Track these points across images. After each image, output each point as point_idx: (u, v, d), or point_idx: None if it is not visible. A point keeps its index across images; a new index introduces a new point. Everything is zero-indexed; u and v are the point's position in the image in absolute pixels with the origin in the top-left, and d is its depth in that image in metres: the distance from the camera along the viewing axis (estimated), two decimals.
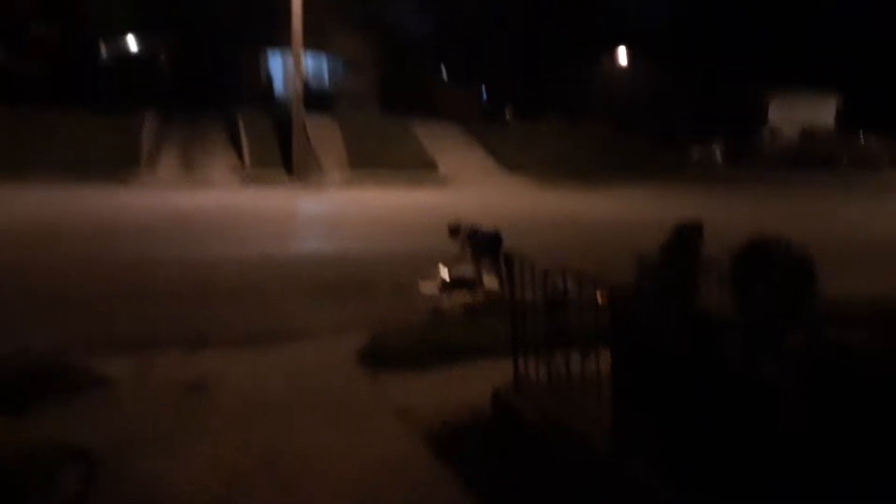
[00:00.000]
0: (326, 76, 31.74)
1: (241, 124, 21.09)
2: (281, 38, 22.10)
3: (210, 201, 14.10)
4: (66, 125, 19.20)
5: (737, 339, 3.28)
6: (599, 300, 3.36)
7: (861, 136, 30.78)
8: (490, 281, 7.18)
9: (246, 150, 19.83)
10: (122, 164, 18.06)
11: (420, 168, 20.39)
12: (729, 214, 12.99)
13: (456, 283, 7.10)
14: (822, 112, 35.19)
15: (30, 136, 18.15)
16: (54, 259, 8.19)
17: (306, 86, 21.78)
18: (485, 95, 38.61)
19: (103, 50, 28.82)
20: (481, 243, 6.97)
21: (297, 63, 18.97)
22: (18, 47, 25.65)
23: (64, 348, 4.94)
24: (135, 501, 3.08)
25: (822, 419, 2.70)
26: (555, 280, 3.78)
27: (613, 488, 2.85)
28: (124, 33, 28.60)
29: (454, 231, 7.26)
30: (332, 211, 13.99)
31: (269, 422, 3.85)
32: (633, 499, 2.74)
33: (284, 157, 19.38)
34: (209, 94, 25.36)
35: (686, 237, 3.60)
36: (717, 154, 30.77)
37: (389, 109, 30.81)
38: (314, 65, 30.54)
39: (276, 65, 30.43)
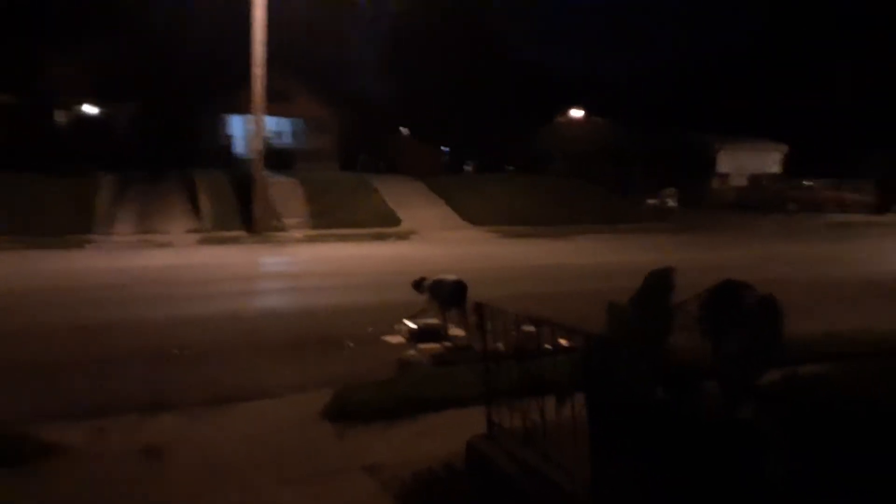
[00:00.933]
0: (288, 136, 31.99)
1: (198, 184, 20.91)
2: (241, 100, 22.24)
3: (168, 262, 13.79)
4: (21, 190, 18.77)
5: (712, 385, 3.27)
6: (565, 343, 3.33)
7: (806, 181, 32.16)
8: (457, 330, 7.11)
9: (205, 210, 19.60)
10: (77, 227, 17.66)
11: (383, 223, 20.41)
12: (688, 259, 13.26)
13: (422, 334, 7.01)
14: (768, 161, 36.83)
15: None
16: (8, 325, 7.82)
17: (267, 145, 21.82)
18: (446, 152, 39.35)
19: (60, 115, 28.61)
20: (446, 294, 6.94)
21: (259, 122, 19.03)
22: None
23: (15, 416, 4.67)
24: None
25: (804, 462, 2.67)
26: (526, 328, 3.73)
27: None
28: (81, 98, 28.49)
29: (418, 285, 7.23)
30: (294, 267, 13.80)
31: (230, 486, 3.64)
32: None
33: (244, 215, 19.23)
34: (167, 156, 25.24)
35: (657, 284, 3.60)
36: (672, 201, 31.73)
37: (351, 166, 31.08)
38: (275, 125, 30.77)
39: (237, 125, 30.59)
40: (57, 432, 4.32)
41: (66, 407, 4.99)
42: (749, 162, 35.93)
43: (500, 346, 3.92)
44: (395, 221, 20.78)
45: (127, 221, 18.83)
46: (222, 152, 28.46)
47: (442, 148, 38.74)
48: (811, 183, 32.05)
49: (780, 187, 32.58)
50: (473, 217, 21.85)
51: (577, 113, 40.42)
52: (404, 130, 39.31)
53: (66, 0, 28.55)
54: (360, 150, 34.16)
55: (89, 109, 28.95)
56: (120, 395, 5.31)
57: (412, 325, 7.11)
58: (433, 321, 7.13)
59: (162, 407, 4.95)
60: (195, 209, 19.90)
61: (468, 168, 37.80)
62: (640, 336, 3.52)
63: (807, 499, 2.52)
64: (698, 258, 14.10)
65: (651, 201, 30.87)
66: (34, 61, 27.19)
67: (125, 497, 3.53)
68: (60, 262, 13.53)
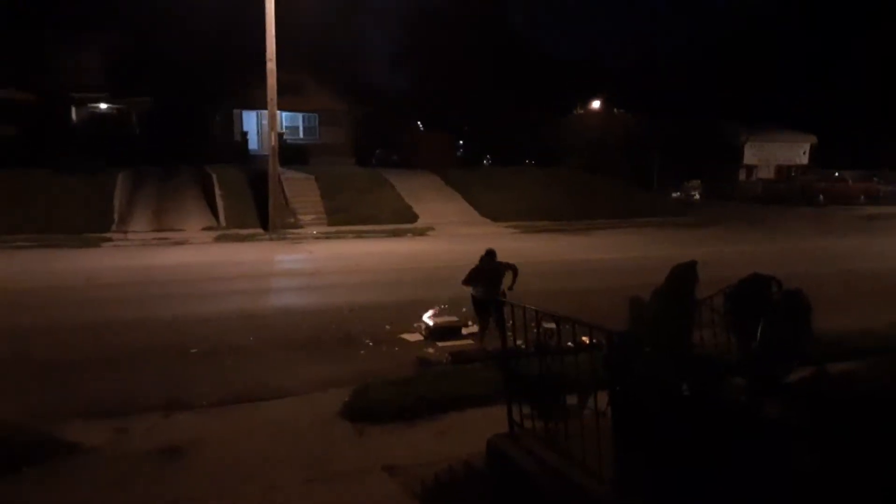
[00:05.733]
0: (301, 131, 32.01)
1: (214, 181, 20.96)
2: (255, 96, 22.26)
3: (185, 260, 13.85)
4: (37, 188, 18.96)
5: (738, 380, 3.18)
6: (587, 340, 3.27)
7: (836, 173, 31.53)
8: (473, 328, 7.03)
9: (220, 207, 19.65)
10: (94, 225, 17.79)
11: (399, 219, 20.33)
12: (713, 253, 13.05)
13: (440, 332, 6.95)
14: (796, 152, 36.21)
15: (1, 200, 17.87)
16: (28, 324, 7.90)
17: (281, 140, 21.79)
18: (461, 146, 39.16)
19: (74, 112, 28.83)
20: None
21: (273, 119, 19.04)
22: None
23: (38, 415, 4.70)
24: None
25: (832, 456, 2.60)
26: (547, 325, 3.67)
27: None
28: (94, 94, 28.65)
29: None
30: (311, 265, 13.79)
31: (250, 486, 3.63)
32: None
33: (260, 212, 19.25)
34: (182, 153, 25.32)
35: (681, 278, 3.52)
36: (696, 194, 31.29)
37: (366, 161, 31.02)
38: (289, 119, 30.82)
39: (251, 121, 30.65)
40: (79, 432, 4.35)
41: (88, 406, 5.01)
42: (776, 153, 35.35)
43: (521, 343, 3.87)
44: (412, 217, 20.69)
45: (143, 219, 18.94)
46: (236, 148, 28.50)
47: (458, 140, 38.55)
48: (843, 174, 31.40)
49: (809, 179, 31.89)
50: (491, 212, 21.70)
51: (596, 104, 39.94)
52: (419, 125, 39.22)
53: None
54: (375, 144, 34.06)
55: (103, 105, 29.10)
56: (139, 394, 5.33)
57: (430, 323, 7.06)
58: (451, 318, 7.08)
59: (182, 406, 4.97)
60: (211, 206, 19.97)
61: (487, 162, 37.61)
62: (664, 331, 3.45)
63: (834, 492, 2.45)
64: (723, 253, 13.81)
65: (675, 194, 30.43)
66: (47, 56, 27.38)
67: (148, 496, 3.53)
68: (78, 260, 13.64)
